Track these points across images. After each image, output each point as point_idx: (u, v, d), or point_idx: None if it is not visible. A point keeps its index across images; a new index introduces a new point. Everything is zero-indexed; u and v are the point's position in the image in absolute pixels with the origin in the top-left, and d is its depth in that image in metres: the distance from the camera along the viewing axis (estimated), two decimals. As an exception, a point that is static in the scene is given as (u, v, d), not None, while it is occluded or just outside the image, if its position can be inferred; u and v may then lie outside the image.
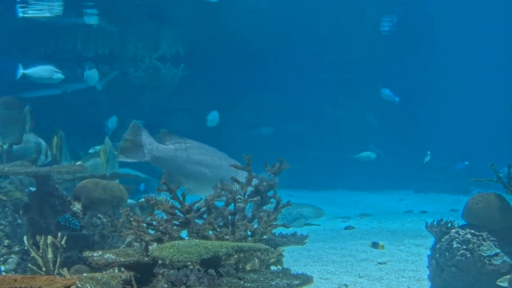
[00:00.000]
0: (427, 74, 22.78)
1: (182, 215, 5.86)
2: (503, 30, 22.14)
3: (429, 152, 17.66)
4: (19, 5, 16.74)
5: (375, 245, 9.47)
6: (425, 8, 21.40)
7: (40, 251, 6.12)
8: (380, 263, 9.30)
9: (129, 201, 8.22)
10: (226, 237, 5.74)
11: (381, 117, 22.22)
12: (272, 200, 6.46)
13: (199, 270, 4.78)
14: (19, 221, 7.85)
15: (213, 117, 16.66)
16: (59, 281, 3.54)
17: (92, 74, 15.15)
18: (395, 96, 18.81)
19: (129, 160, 7.38)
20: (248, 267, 5.77)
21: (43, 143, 9.68)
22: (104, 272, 5.66)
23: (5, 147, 9.07)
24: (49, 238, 6.15)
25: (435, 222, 7.12)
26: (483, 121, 22.04)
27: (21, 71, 12.86)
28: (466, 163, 17.91)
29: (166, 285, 4.75)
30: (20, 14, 17.27)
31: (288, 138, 21.14)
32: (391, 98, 18.87)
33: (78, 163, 9.35)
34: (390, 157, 21.13)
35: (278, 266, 6.36)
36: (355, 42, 21.74)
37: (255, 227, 6.10)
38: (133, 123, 7.35)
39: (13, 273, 7.18)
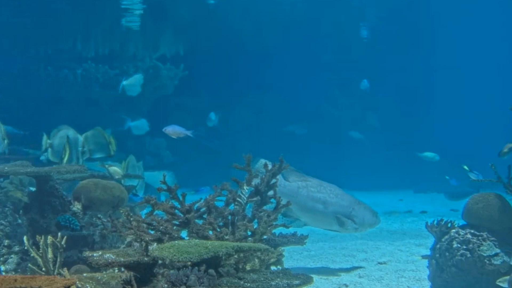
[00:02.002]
0: (428, 74, 22.79)
1: (182, 215, 5.86)
2: (503, 29, 22.14)
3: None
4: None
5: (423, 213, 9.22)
6: (425, 8, 21.44)
7: (40, 251, 6.12)
8: (380, 263, 9.29)
9: None
10: (226, 237, 5.74)
11: (381, 117, 22.21)
12: (272, 200, 6.47)
13: (199, 270, 4.78)
14: (19, 221, 7.84)
15: (212, 116, 16.66)
16: (59, 281, 3.54)
17: (134, 82, 15.01)
18: (368, 85, 19.31)
19: None
20: (248, 267, 5.77)
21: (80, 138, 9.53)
22: (104, 272, 5.67)
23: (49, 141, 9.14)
24: (49, 238, 6.15)
25: (435, 222, 7.12)
26: (483, 121, 22.04)
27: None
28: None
29: (166, 285, 4.74)
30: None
31: (288, 138, 21.13)
32: (366, 87, 19.38)
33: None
34: (369, 142, 21.23)
35: (278, 266, 6.36)
36: (355, 42, 21.76)
37: (255, 227, 6.10)
38: (264, 162, 7.89)
39: (13, 273, 7.18)
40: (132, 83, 14.89)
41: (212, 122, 17.07)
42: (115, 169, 8.71)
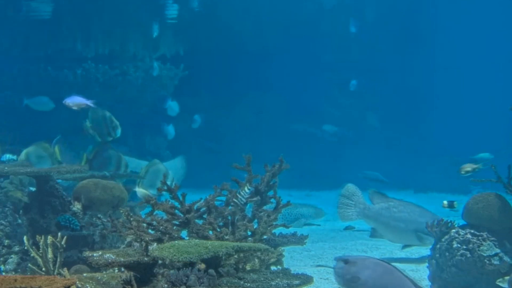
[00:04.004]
0: (428, 73, 22.77)
1: (182, 215, 5.86)
2: (504, 29, 22.14)
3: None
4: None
5: (450, 204, 9.27)
6: (425, 7, 21.43)
7: (40, 251, 6.12)
8: (380, 263, 9.28)
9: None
10: (226, 237, 5.74)
11: (381, 117, 22.20)
12: (272, 200, 6.47)
13: (199, 270, 4.78)
14: (19, 221, 7.84)
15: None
16: (59, 281, 3.55)
17: (174, 106, 17.00)
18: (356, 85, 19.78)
19: (353, 217, 9.68)
20: (248, 267, 5.77)
21: (123, 157, 9.64)
22: (104, 272, 5.67)
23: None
24: (49, 238, 6.15)
25: (435, 222, 7.12)
26: (484, 121, 22.02)
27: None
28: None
29: (166, 285, 4.75)
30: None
31: (288, 138, 21.11)
32: (355, 87, 19.86)
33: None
34: (351, 134, 21.28)
35: (278, 266, 6.36)
36: (355, 42, 21.74)
37: (255, 227, 6.10)
38: (352, 186, 9.65)
39: (13, 273, 7.18)
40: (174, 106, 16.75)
41: (197, 123, 17.94)
42: (143, 193, 8.63)
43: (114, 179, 8.59)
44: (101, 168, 9.17)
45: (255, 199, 6.35)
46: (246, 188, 6.07)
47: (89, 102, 9.31)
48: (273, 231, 6.34)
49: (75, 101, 9.38)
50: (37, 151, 9.15)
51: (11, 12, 17.28)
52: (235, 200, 6.05)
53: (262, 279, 5.15)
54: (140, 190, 8.26)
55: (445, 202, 9.06)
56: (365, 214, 9.57)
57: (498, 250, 6.57)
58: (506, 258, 6.53)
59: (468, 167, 10.53)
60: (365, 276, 4.33)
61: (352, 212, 9.64)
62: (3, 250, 7.50)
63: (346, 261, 4.51)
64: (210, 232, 5.82)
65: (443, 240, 6.95)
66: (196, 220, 5.89)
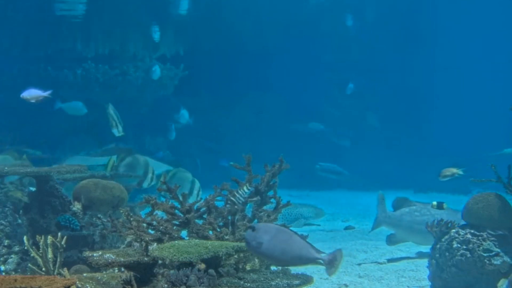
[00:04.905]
0: (428, 73, 22.77)
1: (182, 215, 5.86)
2: (504, 28, 22.14)
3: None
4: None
5: (439, 205, 9.30)
6: (425, 7, 21.42)
7: (40, 251, 6.12)
8: (380, 263, 9.29)
9: None
10: (226, 237, 5.74)
11: (381, 117, 22.20)
12: (272, 200, 6.47)
13: (199, 270, 4.78)
14: (19, 221, 7.84)
15: (185, 114, 17.49)
16: (59, 281, 3.55)
17: (185, 114, 17.63)
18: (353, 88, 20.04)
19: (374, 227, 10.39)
20: (248, 267, 5.77)
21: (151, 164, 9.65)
22: (104, 272, 5.67)
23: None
24: (49, 238, 6.15)
25: (435, 222, 7.12)
26: (484, 121, 22.02)
27: None
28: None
29: (166, 285, 4.75)
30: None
31: (288, 138, 21.11)
32: (351, 90, 20.09)
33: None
34: (329, 129, 21.37)
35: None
36: (355, 42, 21.75)
37: (255, 227, 6.09)
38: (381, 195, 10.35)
39: (13, 273, 7.18)
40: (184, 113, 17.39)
41: (186, 120, 18.09)
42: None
43: (114, 179, 8.59)
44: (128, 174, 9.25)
45: (255, 199, 6.35)
46: (245, 188, 6.07)
47: (45, 94, 9.29)
48: (273, 231, 6.33)
49: (31, 94, 9.36)
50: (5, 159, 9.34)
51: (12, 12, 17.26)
52: (232, 198, 6.03)
53: (262, 279, 5.15)
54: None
55: (434, 203, 9.10)
56: (386, 222, 10.11)
57: (498, 250, 6.57)
58: (506, 258, 6.53)
59: (448, 172, 10.60)
60: (266, 241, 4.77)
61: (374, 221, 10.36)
62: (3, 250, 7.50)
63: (253, 229, 4.89)
64: (210, 232, 5.82)
65: (443, 240, 6.95)
66: (196, 220, 5.89)
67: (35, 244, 6.26)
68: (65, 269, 6.04)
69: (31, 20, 17.66)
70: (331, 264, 4.68)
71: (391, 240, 10.13)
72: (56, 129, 17.09)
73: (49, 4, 17.08)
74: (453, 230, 6.90)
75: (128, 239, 6.55)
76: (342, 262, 4.72)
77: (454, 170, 10.31)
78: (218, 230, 5.83)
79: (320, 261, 4.69)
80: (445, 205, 8.79)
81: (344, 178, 18.22)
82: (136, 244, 5.81)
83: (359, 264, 9.29)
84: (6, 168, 7.96)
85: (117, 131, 9.49)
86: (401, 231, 9.88)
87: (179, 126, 17.72)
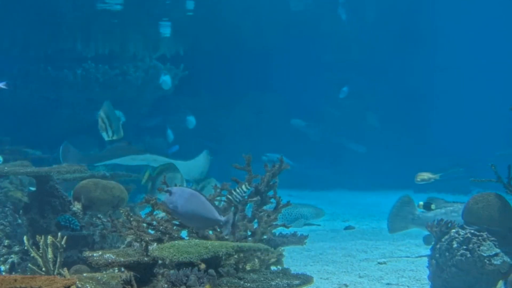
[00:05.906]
0: (428, 73, 22.77)
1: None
2: (504, 28, 22.14)
3: None
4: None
5: (427, 205, 9.22)
6: (425, 7, 21.43)
7: (40, 251, 6.12)
8: (380, 263, 9.29)
9: None
10: (226, 237, 5.73)
11: (381, 117, 22.21)
12: (272, 200, 6.46)
13: (199, 270, 4.78)
14: (19, 221, 7.84)
15: (192, 120, 18.37)
16: (59, 281, 3.54)
17: (192, 120, 18.34)
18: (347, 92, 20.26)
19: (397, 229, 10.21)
20: (248, 267, 5.77)
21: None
22: (104, 272, 5.66)
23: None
24: (49, 238, 6.15)
25: (435, 222, 7.12)
26: (484, 121, 22.02)
27: None
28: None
29: (166, 285, 4.75)
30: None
31: (288, 138, 21.12)
32: (345, 94, 20.34)
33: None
34: (316, 129, 21.37)
35: (278, 266, 6.36)
36: (355, 42, 21.75)
37: (255, 227, 6.10)
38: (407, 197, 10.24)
39: (13, 273, 7.18)
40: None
41: (192, 124, 18.67)
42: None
43: (114, 179, 8.59)
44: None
45: (255, 199, 6.35)
46: (243, 187, 6.06)
47: (1, 85, 9.25)
48: (273, 231, 6.34)
49: None
50: None
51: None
52: (229, 196, 6.03)
53: (262, 279, 5.15)
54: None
55: (421, 203, 9.08)
56: (416, 223, 9.95)
57: (498, 250, 6.57)
58: (506, 258, 6.53)
59: (425, 175, 10.63)
60: (180, 204, 5.27)
61: (399, 224, 10.12)
62: (3, 250, 7.50)
63: (170, 193, 5.35)
64: (210, 232, 5.82)
65: (443, 240, 6.95)
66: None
67: (35, 244, 6.26)
68: (65, 269, 6.04)
69: (31, 20, 17.67)
70: (226, 225, 5.28)
71: (428, 240, 9.84)
72: (56, 129, 17.08)
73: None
74: (453, 230, 6.90)
75: (128, 239, 6.55)
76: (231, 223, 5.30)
77: (430, 175, 10.35)
78: (218, 230, 5.83)
79: (220, 222, 5.28)
80: (433, 206, 8.78)
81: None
82: (136, 244, 5.80)
83: (359, 264, 9.29)
84: (6, 168, 7.95)
85: (107, 135, 9.36)
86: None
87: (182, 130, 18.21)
